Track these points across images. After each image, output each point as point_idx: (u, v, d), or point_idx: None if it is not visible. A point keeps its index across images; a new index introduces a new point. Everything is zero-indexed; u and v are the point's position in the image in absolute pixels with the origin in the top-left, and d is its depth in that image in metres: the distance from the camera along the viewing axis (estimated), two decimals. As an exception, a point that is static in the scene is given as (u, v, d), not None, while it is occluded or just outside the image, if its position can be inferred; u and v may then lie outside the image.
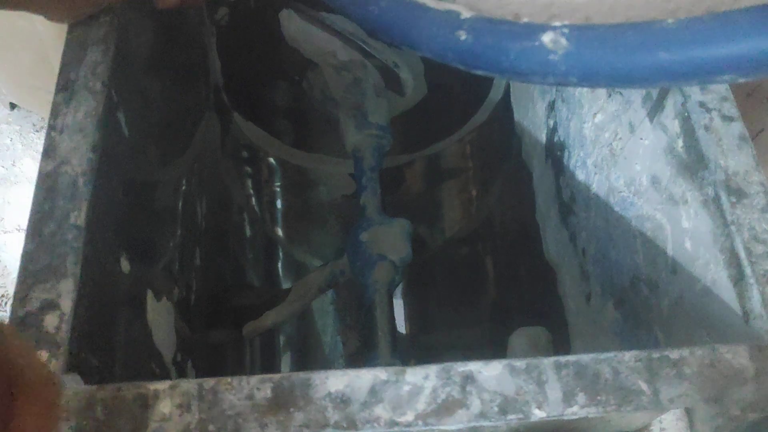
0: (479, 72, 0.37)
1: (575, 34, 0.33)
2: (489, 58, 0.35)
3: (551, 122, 0.76)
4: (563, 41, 0.33)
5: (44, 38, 1.16)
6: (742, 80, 0.33)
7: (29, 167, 1.49)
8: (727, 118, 0.48)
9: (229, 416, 0.37)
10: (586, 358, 0.39)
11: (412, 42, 0.39)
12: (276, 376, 0.38)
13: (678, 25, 0.32)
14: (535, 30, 0.34)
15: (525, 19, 0.35)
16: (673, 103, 0.51)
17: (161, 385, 0.38)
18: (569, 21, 0.34)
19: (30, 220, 0.44)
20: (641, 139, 0.56)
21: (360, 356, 1.03)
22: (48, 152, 0.46)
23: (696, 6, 0.33)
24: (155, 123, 0.66)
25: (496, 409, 0.38)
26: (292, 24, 0.86)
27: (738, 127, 0.47)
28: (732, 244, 0.44)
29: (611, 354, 0.39)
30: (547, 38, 0.34)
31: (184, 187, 0.75)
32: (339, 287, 0.96)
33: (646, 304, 0.56)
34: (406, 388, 0.38)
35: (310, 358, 1.09)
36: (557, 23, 0.34)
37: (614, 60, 0.33)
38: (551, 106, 0.76)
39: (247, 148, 1.04)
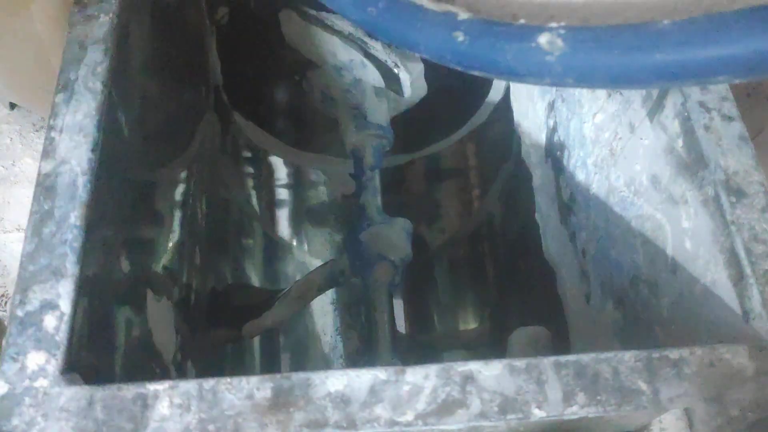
0: (476, 73, 0.37)
1: (571, 35, 0.33)
2: (486, 59, 0.35)
3: (551, 122, 0.76)
4: (559, 42, 0.33)
5: (44, 38, 1.16)
6: (737, 81, 0.33)
7: (29, 167, 1.49)
8: (727, 118, 0.48)
9: (228, 416, 0.37)
10: (585, 357, 0.39)
11: (409, 43, 0.39)
12: (276, 376, 0.38)
13: (673, 26, 0.32)
14: (531, 31, 0.34)
15: (522, 20, 0.35)
16: (673, 103, 0.51)
17: (161, 385, 0.38)
18: (566, 22, 0.34)
19: (30, 221, 0.44)
20: (641, 138, 0.56)
21: (360, 356, 1.03)
22: (48, 152, 0.46)
23: (693, 7, 0.33)
24: (155, 123, 0.66)
25: (496, 408, 0.38)
26: (292, 24, 0.86)
27: (738, 126, 0.47)
28: (732, 243, 0.44)
29: (611, 354, 0.39)
30: (543, 39, 0.33)
31: (184, 186, 0.75)
32: (339, 287, 0.96)
33: (646, 303, 0.56)
34: (406, 387, 0.38)
35: (309, 357, 1.09)
36: (554, 24, 0.34)
37: (610, 61, 0.33)
38: (551, 106, 0.76)
39: (247, 148, 1.04)
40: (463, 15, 0.36)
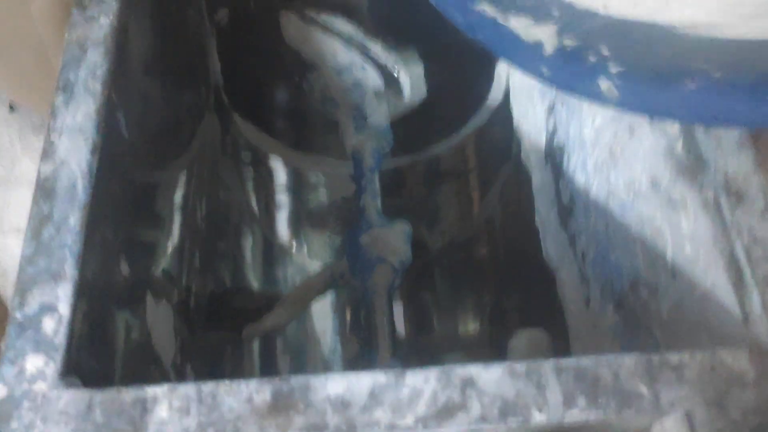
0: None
1: (625, 82, 0.41)
2: (566, 89, 0.44)
3: (551, 125, 0.76)
4: (615, 91, 0.41)
5: (44, 38, 1.16)
6: None
7: (28, 169, 1.49)
8: (728, 121, 0.48)
9: (228, 420, 0.37)
10: (586, 361, 0.39)
11: (515, 66, 0.47)
12: (275, 380, 0.38)
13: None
14: (595, 72, 0.41)
15: (592, 59, 0.41)
16: (673, 106, 0.51)
17: (160, 389, 0.38)
18: (622, 67, 0.41)
19: (29, 223, 0.44)
20: (641, 141, 0.56)
21: (359, 359, 1.03)
22: (47, 154, 0.46)
23: None
24: (155, 124, 0.66)
25: (496, 412, 0.38)
26: (292, 26, 0.86)
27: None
28: (732, 247, 0.44)
29: (611, 357, 0.39)
30: (604, 85, 0.41)
31: (183, 188, 0.75)
32: (338, 290, 0.96)
33: (645, 307, 0.56)
34: (406, 391, 0.38)
35: (309, 360, 1.09)
36: (613, 70, 0.41)
37: (658, 105, 0.41)
38: (551, 109, 0.76)
39: (246, 149, 1.03)
40: (548, 48, 0.43)
